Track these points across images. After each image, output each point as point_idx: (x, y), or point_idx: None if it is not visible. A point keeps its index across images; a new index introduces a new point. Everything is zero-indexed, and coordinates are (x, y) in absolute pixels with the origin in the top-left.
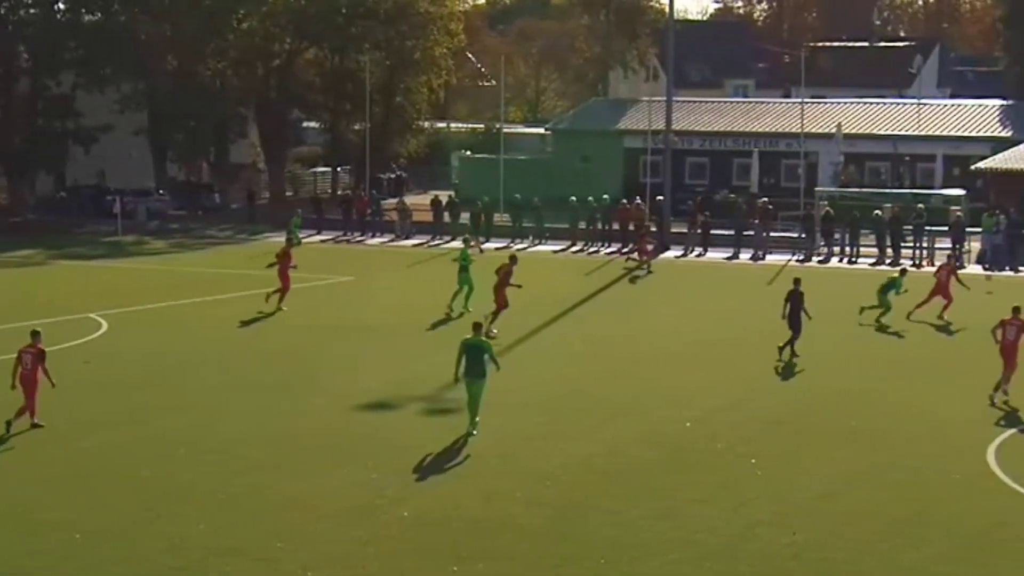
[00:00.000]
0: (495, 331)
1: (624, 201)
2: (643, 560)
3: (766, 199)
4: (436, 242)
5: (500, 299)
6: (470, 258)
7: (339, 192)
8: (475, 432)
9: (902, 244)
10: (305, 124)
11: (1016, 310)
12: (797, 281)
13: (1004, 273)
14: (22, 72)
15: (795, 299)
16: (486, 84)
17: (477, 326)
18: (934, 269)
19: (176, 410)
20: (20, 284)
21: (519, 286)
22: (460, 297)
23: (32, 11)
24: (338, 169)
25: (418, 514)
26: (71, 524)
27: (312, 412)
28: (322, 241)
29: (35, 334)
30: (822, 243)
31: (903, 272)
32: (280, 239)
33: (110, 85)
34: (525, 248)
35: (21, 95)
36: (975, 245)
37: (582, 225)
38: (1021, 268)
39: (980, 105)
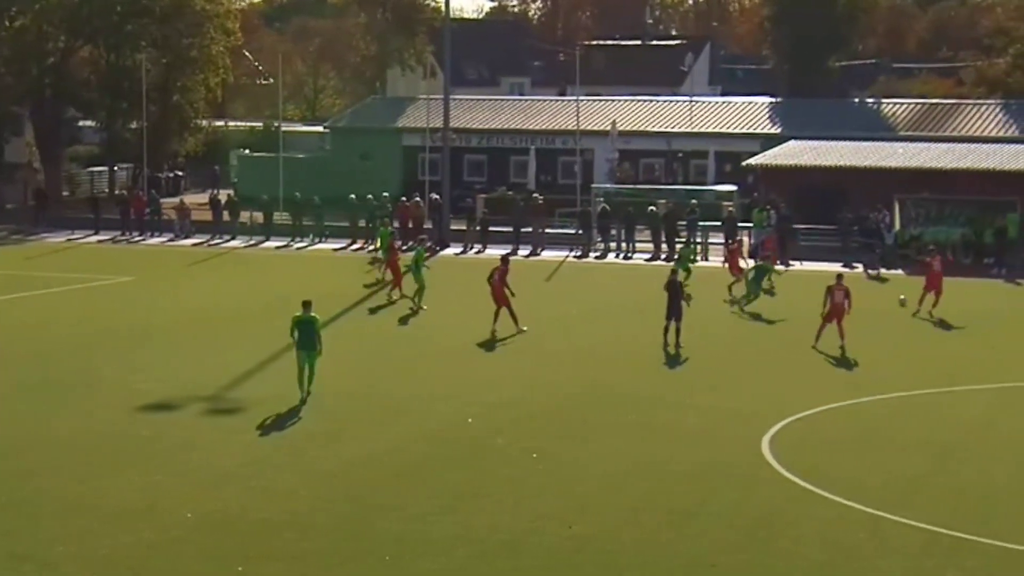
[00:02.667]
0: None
1: (403, 198)
2: (428, 556)
3: (537, 195)
4: (215, 241)
5: (499, 298)
6: (424, 256)
7: (116, 191)
8: (306, 398)
9: (676, 239)
10: (81, 123)
11: (839, 277)
12: (674, 272)
13: (775, 267)
14: None
15: (673, 288)
16: (264, 82)
17: (306, 304)
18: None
19: None
20: None
21: (512, 293)
22: (420, 295)
23: None
24: (115, 168)
25: (202, 515)
26: None
27: (93, 414)
28: (99, 241)
29: None
30: (599, 239)
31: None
32: (56, 239)
33: None
34: (305, 247)
35: None
36: (747, 240)
37: (362, 223)
38: (791, 262)
39: (750, 102)
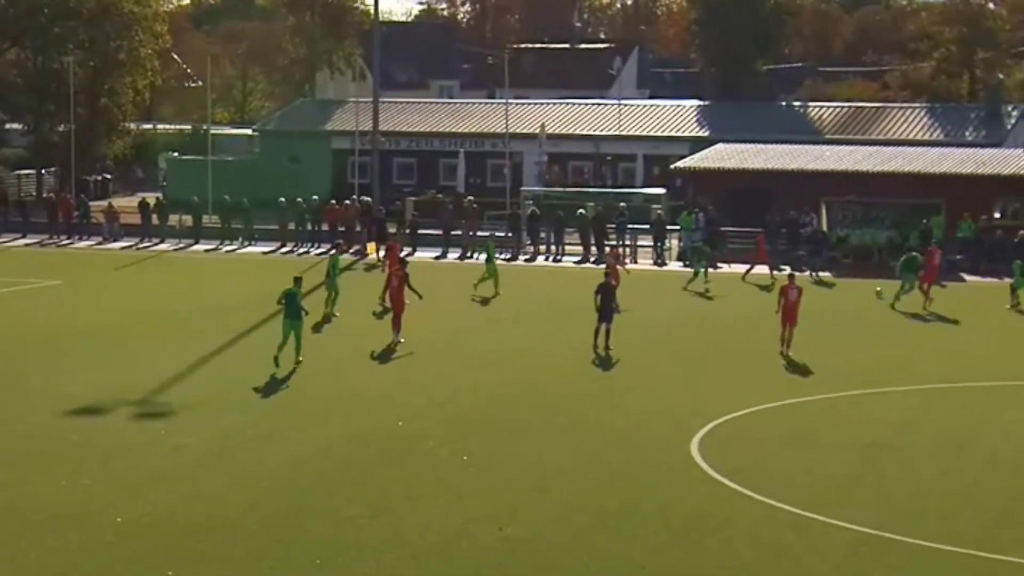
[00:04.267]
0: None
1: (333, 202)
2: (359, 559)
3: (472, 199)
4: (144, 244)
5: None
6: (340, 264)
7: (44, 195)
8: (301, 359)
9: (605, 242)
10: (8, 126)
11: (791, 276)
12: (608, 275)
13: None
14: None
15: (605, 291)
16: (193, 85)
17: (297, 279)
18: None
19: None
20: None
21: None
22: (331, 301)
23: None
24: (43, 171)
25: (131, 519)
26: None
27: (19, 418)
28: (27, 244)
29: None
30: (528, 242)
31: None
32: None
33: None
34: (235, 250)
35: None
36: (675, 243)
37: (292, 226)
38: (720, 265)
39: (678, 106)
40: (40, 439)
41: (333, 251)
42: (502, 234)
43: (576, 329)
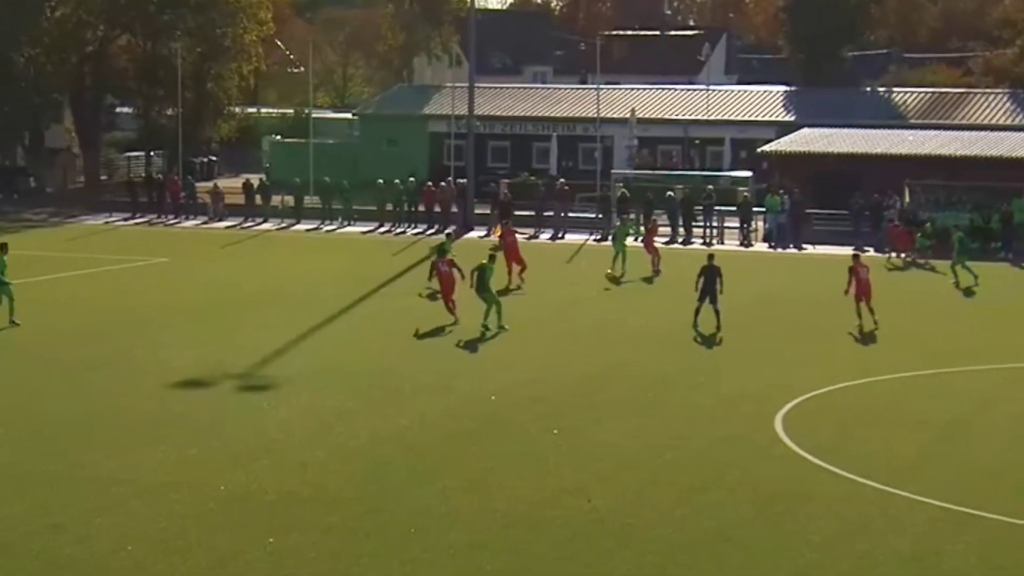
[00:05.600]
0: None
1: (430, 183)
2: (451, 529)
3: (564, 181)
4: (248, 224)
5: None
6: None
7: (153, 176)
8: (507, 327)
9: (693, 223)
10: (119, 110)
11: (856, 256)
12: (711, 257)
13: (789, 251)
14: None
15: (709, 273)
16: (295, 70)
17: (492, 256)
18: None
19: None
20: None
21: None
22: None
23: None
24: (152, 153)
25: (234, 488)
26: None
27: (128, 391)
28: (136, 224)
29: None
30: (618, 223)
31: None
32: (94, 221)
33: None
34: (335, 230)
35: None
36: (761, 224)
37: (389, 207)
38: (804, 246)
39: (765, 91)
40: (147, 411)
41: (446, 236)
42: (592, 215)
43: (663, 308)
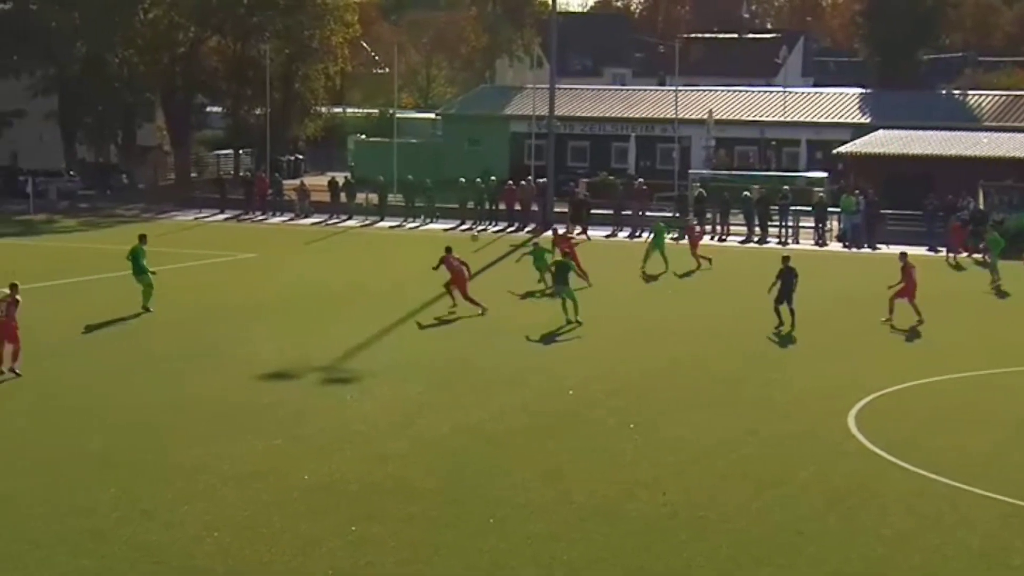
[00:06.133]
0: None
1: (510, 182)
2: (529, 520)
3: (642, 181)
4: (333, 221)
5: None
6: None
7: (241, 173)
8: (581, 322)
9: (769, 223)
10: (209, 109)
11: (904, 255)
12: (787, 259)
13: (863, 251)
14: None
15: (786, 276)
16: (380, 71)
17: (565, 253)
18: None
19: (82, 381)
20: None
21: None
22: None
23: None
24: (240, 151)
25: (317, 477)
26: None
27: (216, 382)
28: (225, 220)
29: (13, 286)
30: (695, 222)
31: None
32: (184, 217)
33: (22, 71)
34: (417, 227)
35: None
36: (835, 224)
37: (471, 205)
38: (879, 245)
39: (841, 93)
40: (235, 401)
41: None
42: (669, 214)
43: (737, 306)
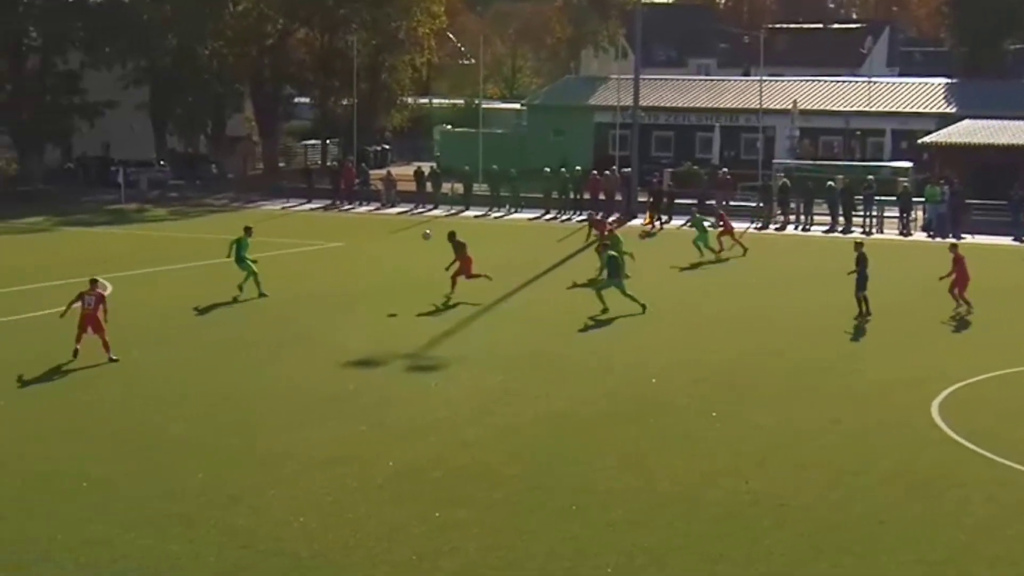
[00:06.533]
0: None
1: (595, 172)
2: (610, 506)
3: (727, 171)
4: (419, 210)
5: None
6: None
7: (328, 163)
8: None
9: (853, 213)
10: (297, 100)
11: (954, 246)
12: (860, 244)
13: (948, 240)
14: (31, 50)
15: (863, 261)
16: (466, 62)
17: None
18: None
19: (172, 367)
20: (29, 248)
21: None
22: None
23: None
24: (327, 142)
25: (402, 463)
26: (78, 473)
27: (303, 368)
28: (312, 209)
29: (94, 281)
30: (779, 212)
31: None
32: (271, 207)
33: (114, 63)
34: (502, 216)
35: (30, 72)
36: (920, 214)
37: (555, 194)
38: (963, 235)
39: (926, 83)
40: (321, 388)
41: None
42: (754, 204)
43: (820, 295)
